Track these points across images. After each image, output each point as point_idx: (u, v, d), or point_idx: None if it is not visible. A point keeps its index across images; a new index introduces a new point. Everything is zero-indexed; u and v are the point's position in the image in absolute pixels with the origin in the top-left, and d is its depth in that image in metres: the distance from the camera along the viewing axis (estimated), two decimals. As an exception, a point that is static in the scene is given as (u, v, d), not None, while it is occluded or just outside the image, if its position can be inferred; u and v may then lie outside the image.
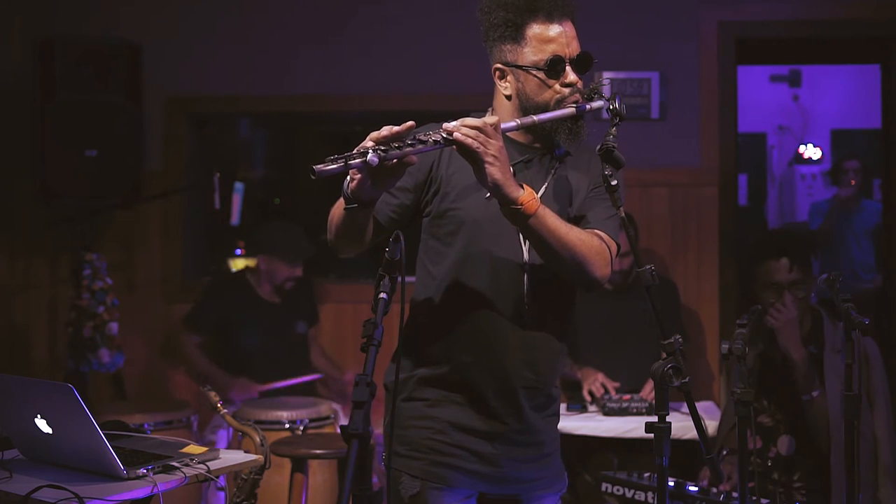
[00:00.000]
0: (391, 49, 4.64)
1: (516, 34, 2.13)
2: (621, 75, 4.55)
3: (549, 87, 2.12)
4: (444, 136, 1.96)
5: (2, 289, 4.77)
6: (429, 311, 2.19)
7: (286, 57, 4.73)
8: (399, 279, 1.93)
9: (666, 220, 4.59)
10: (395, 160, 1.90)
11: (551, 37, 2.11)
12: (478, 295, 2.15)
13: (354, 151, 1.89)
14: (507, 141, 2.08)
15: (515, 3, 2.12)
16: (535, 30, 2.12)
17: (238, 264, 5.67)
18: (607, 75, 4.51)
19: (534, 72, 2.12)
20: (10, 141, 4.69)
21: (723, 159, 4.57)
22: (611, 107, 2.06)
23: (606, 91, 2.12)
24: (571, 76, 2.12)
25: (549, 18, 2.12)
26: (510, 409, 2.18)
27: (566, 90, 2.12)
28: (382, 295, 1.90)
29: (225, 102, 4.82)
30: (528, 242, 2.13)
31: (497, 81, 2.20)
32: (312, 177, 1.84)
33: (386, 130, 1.91)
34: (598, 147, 2.03)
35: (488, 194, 2.04)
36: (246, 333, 4.37)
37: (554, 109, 2.11)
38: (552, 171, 2.20)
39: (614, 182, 2.00)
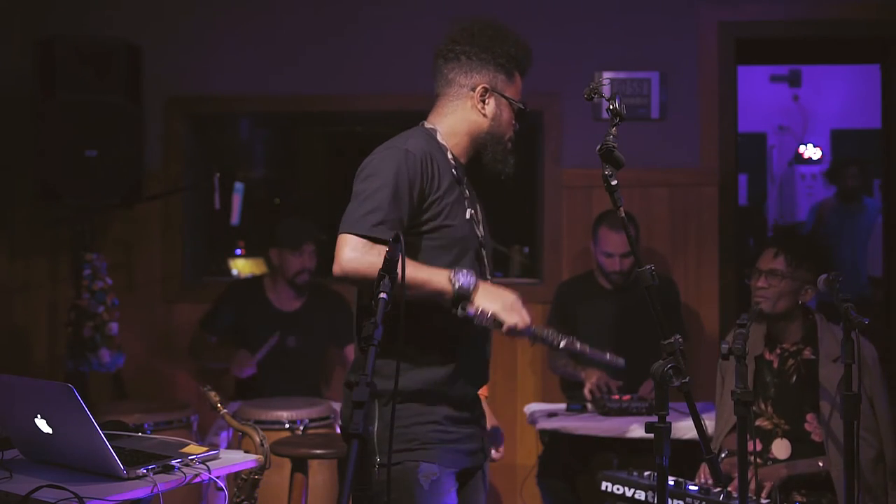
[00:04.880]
0: (391, 49, 4.64)
1: (511, 71, 2.48)
2: (621, 75, 4.54)
3: (511, 124, 2.49)
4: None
5: (2, 289, 4.78)
6: (417, 321, 2.25)
7: (287, 57, 4.73)
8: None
9: (666, 220, 4.59)
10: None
11: (520, 89, 2.52)
12: None
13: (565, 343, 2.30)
14: (458, 164, 2.44)
15: (522, 50, 2.48)
16: (518, 78, 2.51)
17: (238, 264, 5.67)
18: (607, 75, 4.51)
19: (513, 107, 2.47)
20: (10, 141, 4.70)
21: (723, 159, 4.57)
22: (611, 107, 2.07)
23: (606, 91, 2.13)
24: (517, 123, 2.52)
25: (523, 77, 2.53)
26: (477, 399, 2.54)
27: (512, 133, 2.51)
28: (382, 295, 1.91)
29: (225, 102, 4.81)
30: (487, 258, 2.48)
31: (475, 98, 2.45)
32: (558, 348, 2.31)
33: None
34: (598, 147, 2.03)
35: (468, 216, 2.41)
36: (255, 341, 4.36)
37: (506, 143, 2.48)
38: (474, 194, 2.52)
39: (614, 182, 2.01)
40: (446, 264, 2.33)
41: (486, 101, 2.45)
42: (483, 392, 2.64)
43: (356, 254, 2.20)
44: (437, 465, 2.35)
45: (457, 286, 2.21)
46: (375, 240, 2.20)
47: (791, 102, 8.63)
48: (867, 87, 7.02)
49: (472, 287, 2.22)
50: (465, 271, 2.24)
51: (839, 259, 6.03)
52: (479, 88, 2.44)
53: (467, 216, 2.43)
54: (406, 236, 2.27)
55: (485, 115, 2.45)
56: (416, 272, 2.19)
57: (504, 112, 2.47)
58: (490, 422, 2.70)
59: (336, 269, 2.22)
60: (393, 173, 2.27)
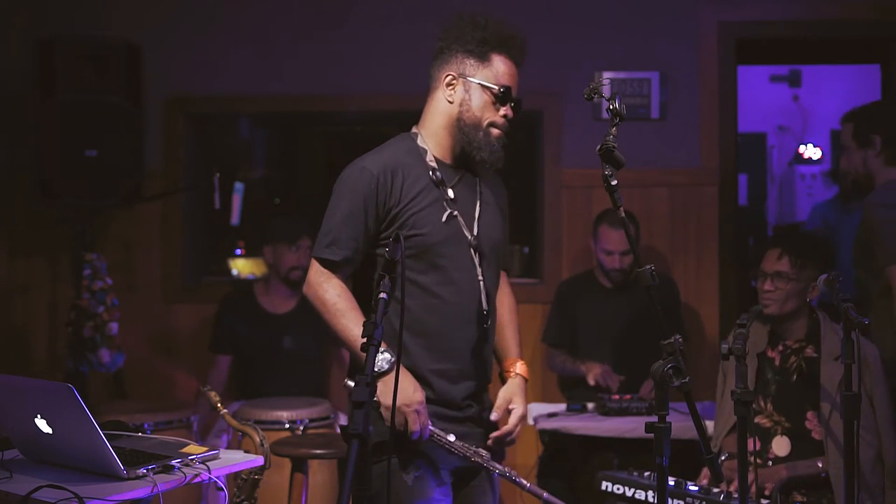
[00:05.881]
0: (391, 49, 4.64)
1: (483, 55, 2.43)
2: (621, 75, 4.54)
3: (492, 110, 2.42)
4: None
5: (2, 289, 4.77)
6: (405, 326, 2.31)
7: (286, 57, 4.73)
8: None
9: (666, 220, 4.59)
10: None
11: (508, 72, 2.44)
12: (448, 309, 2.42)
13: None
14: (441, 165, 2.44)
15: (494, 31, 2.42)
16: (499, 59, 2.44)
17: (238, 264, 5.66)
18: (607, 75, 4.51)
19: (487, 90, 2.40)
20: (10, 140, 4.69)
21: (723, 159, 4.57)
22: (611, 107, 2.07)
23: (606, 91, 2.14)
24: (509, 111, 2.43)
25: (512, 58, 2.46)
26: (475, 397, 2.50)
27: (501, 120, 2.43)
28: (382, 295, 1.91)
29: (225, 102, 4.82)
30: (483, 258, 2.45)
31: (442, 87, 2.45)
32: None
33: None
34: (598, 147, 2.03)
35: (444, 218, 2.38)
36: (253, 348, 4.35)
37: (486, 130, 2.41)
38: (477, 190, 2.51)
39: (614, 182, 2.01)
40: (418, 273, 2.37)
41: (454, 88, 2.44)
42: (524, 372, 2.57)
43: (316, 281, 2.38)
44: (422, 461, 2.37)
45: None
46: (328, 261, 2.36)
47: (791, 102, 8.62)
48: (867, 87, 7.01)
49: (380, 371, 2.26)
50: (386, 355, 2.27)
51: (839, 259, 6.02)
52: (446, 77, 2.44)
53: (444, 219, 2.40)
54: (373, 249, 2.39)
55: (451, 102, 2.43)
56: (351, 328, 2.31)
57: (475, 96, 2.42)
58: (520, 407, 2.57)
59: (303, 288, 2.43)
60: (348, 193, 2.37)
